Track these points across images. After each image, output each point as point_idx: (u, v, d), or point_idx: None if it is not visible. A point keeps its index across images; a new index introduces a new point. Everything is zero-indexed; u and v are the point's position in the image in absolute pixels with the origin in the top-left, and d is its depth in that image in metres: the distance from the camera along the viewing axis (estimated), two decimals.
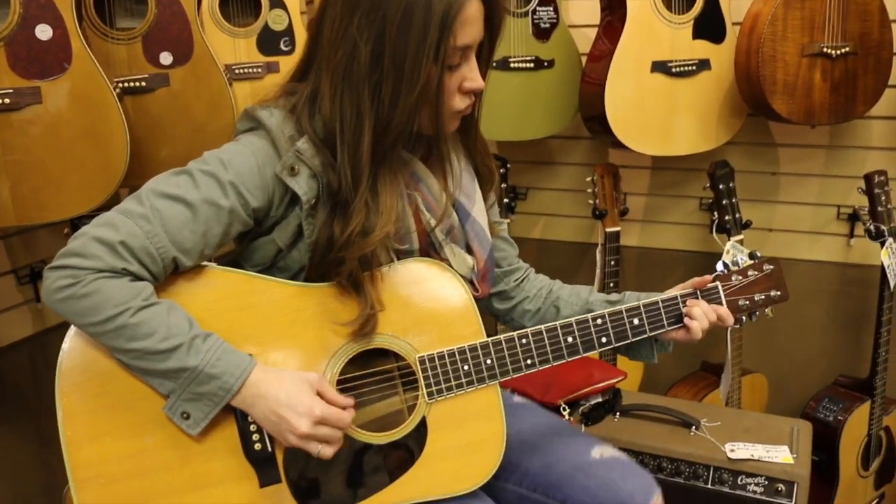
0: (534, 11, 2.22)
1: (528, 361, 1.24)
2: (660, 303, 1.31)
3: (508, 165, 2.42)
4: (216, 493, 1.11)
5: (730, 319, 1.35)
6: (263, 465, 1.12)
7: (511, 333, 1.23)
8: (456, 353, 1.19)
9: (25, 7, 1.54)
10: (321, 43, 1.14)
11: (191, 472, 1.10)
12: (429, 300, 1.20)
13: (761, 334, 2.43)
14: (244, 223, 1.14)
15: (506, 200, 2.40)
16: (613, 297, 1.39)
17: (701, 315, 1.31)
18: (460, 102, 1.18)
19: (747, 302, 1.40)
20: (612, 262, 2.30)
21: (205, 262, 1.15)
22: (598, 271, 2.37)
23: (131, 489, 1.08)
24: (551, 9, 2.24)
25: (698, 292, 1.35)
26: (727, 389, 1.54)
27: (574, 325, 1.26)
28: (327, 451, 1.09)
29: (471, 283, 1.27)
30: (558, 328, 1.25)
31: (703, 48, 2.09)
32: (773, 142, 2.33)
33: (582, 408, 1.98)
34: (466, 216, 1.28)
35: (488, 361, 1.21)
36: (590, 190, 2.32)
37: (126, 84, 1.82)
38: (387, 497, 1.16)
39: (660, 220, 2.51)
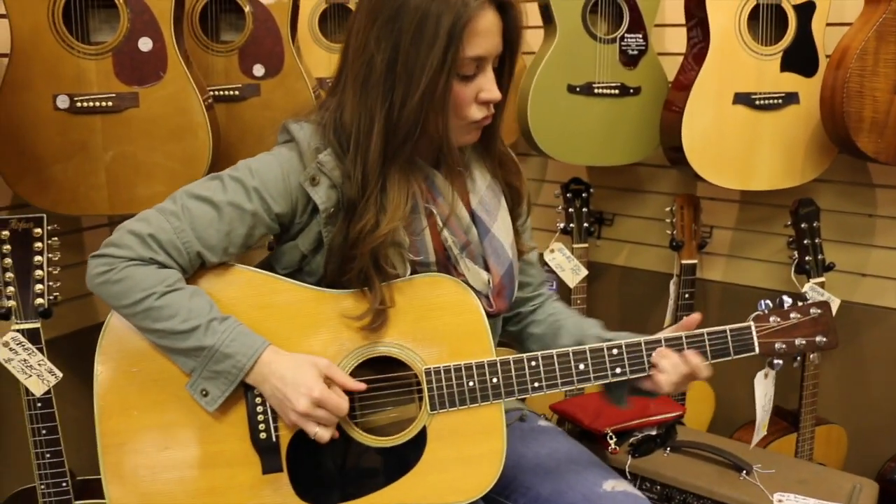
0: (622, 38, 2.22)
1: (536, 384, 1.25)
2: (683, 338, 1.29)
3: (591, 190, 2.42)
4: (223, 473, 1.20)
5: (703, 373, 1.28)
6: (267, 452, 1.20)
7: (521, 355, 1.25)
8: (462, 368, 1.23)
9: (133, 22, 1.72)
10: (347, 56, 1.22)
11: (203, 451, 1.20)
12: (441, 314, 1.25)
13: (845, 383, 2.29)
14: (268, 227, 1.24)
15: (585, 225, 2.40)
16: (610, 334, 1.37)
17: (670, 367, 1.26)
18: (477, 112, 1.23)
19: (784, 346, 1.34)
20: (687, 296, 2.26)
21: (233, 263, 1.25)
22: (670, 303, 2.32)
23: (149, 460, 1.20)
24: (640, 36, 2.23)
25: (727, 330, 1.31)
26: (758, 437, 1.47)
27: (587, 352, 1.26)
28: (323, 434, 1.16)
29: (486, 297, 1.31)
30: (570, 354, 1.26)
31: (791, 81, 2.01)
32: (871, 182, 2.20)
33: (632, 439, 1.96)
34: (486, 232, 1.32)
35: (494, 380, 1.24)
36: (668, 220, 2.29)
37: (221, 92, 1.99)
38: (379, 499, 1.21)
39: (745, 256, 2.43)
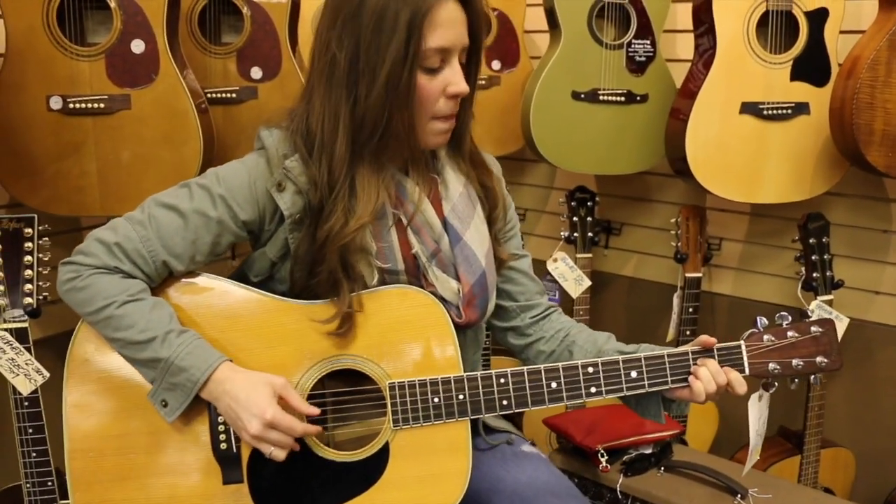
0: (629, 44, 2.16)
1: (504, 402, 1.22)
2: (665, 357, 1.25)
3: (597, 199, 2.37)
4: (184, 482, 1.19)
5: (741, 388, 1.24)
6: (228, 463, 1.19)
7: (490, 371, 1.22)
8: (428, 383, 1.20)
9: (125, 23, 1.72)
10: (313, 59, 1.21)
11: (165, 460, 1.19)
12: (408, 327, 1.22)
13: (855, 405, 2.21)
14: (235, 234, 1.22)
15: (590, 234, 2.35)
16: (630, 348, 1.33)
17: (708, 377, 1.23)
18: (443, 107, 1.21)
19: (778, 367, 1.27)
20: (691, 310, 2.20)
21: (200, 272, 1.24)
22: (673, 317, 2.26)
23: (113, 465, 1.19)
24: (648, 42, 2.17)
25: (715, 350, 1.26)
26: (752, 463, 1.41)
27: (560, 370, 1.23)
28: (278, 454, 1.14)
29: (457, 307, 1.27)
30: (542, 372, 1.22)
31: (801, 91, 1.94)
32: (886, 196, 2.11)
33: (626, 457, 1.90)
34: (457, 239, 1.29)
35: (460, 397, 1.20)
36: (673, 231, 2.23)
37: (219, 95, 1.98)
38: None
39: (755, 270, 2.35)
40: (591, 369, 1.23)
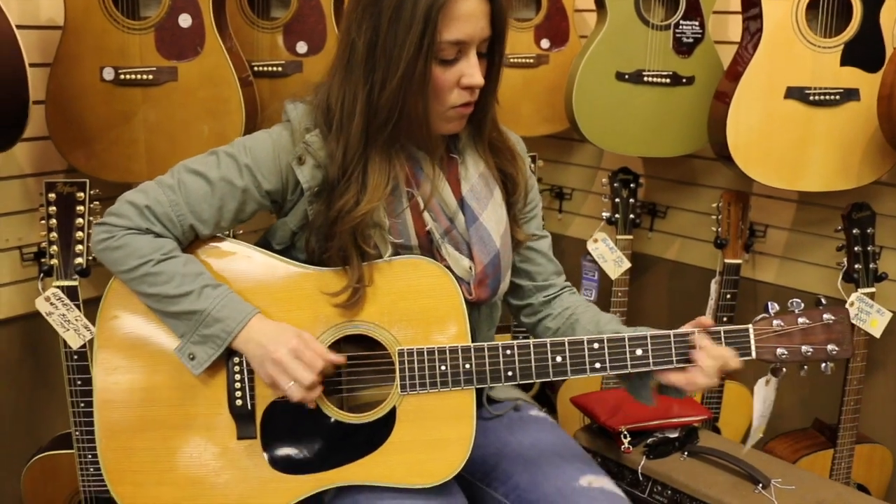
0: (676, 25, 2.13)
1: (509, 373, 1.24)
2: (671, 336, 1.25)
3: (641, 181, 2.35)
4: (200, 435, 1.26)
5: (733, 362, 1.23)
6: (242, 419, 1.25)
7: (496, 342, 1.24)
8: (436, 351, 1.23)
9: None
10: (338, 38, 1.24)
11: (184, 413, 1.26)
12: (419, 296, 1.25)
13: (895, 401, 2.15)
14: (259, 203, 1.27)
15: (631, 216, 2.33)
16: (627, 330, 1.33)
17: (704, 356, 1.22)
18: (458, 98, 1.22)
19: (786, 352, 1.26)
20: (728, 296, 2.17)
21: (225, 237, 1.30)
22: (710, 303, 2.24)
23: (136, 416, 1.27)
24: (697, 23, 2.13)
25: (722, 333, 1.26)
26: (752, 441, 1.41)
27: (566, 344, 1.24)
28: (294, 391, 1.18)
29: (467, 284, 1.30)
30: (548, 345, 1.24)
31: (851, 76, 1.88)
32: None
33: (650, 440, 1.90)
34: (473, 220, 1.31)
35: (467, 366, 1.23)
36: (714, 216, 2.20)
37: (266, 68, 2.04)
38: (344, 474, 1.23)
39: (800, 259, 2.30)
40: (596, 345, 1.24)
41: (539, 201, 1.48)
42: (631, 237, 2.34)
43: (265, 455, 1.25)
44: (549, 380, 1.25)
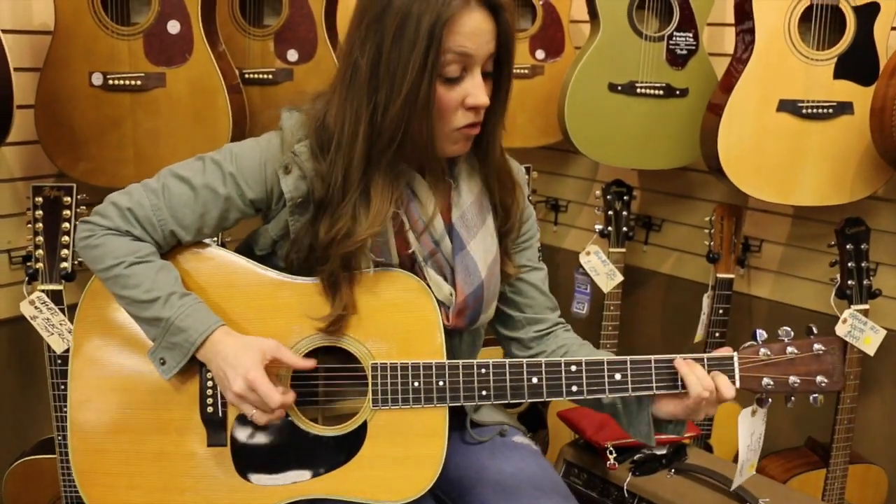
0: (670, 36, 2.11)
1: (483, 392, 1.22)
2: (651, 361, 1.22)
3: (634, 194, 2.33)
4: (171, 440, 1.24)
5: (728, 393, 1.20)
6: (213, 426, 1.24)
7: (472, 361, 1.22)
8: (409, 367, 1.22)
9: (163, 4, 1.79)
10: (340, 56, 1.22)
11: (157, 416, 1.25)
12: (396, 311, 1.23)
13: (890, 421, 2.11)
14: (242, 211, 1.26)
15: (624, 229, 2.31)
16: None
17: (696, 382, 1.20)
18: (462, 119, 1.19)
19: (771, 382, 1.22)
20: (721, 311, 2.14)
21: (208, 243, 1.29)
22: (703, 317, 2.21)
23: (110, 418, 1.26)
24: (691, 35, 2.12)
25: (705, 360, 1.23)
26: (740, 480, 1.36)
27: (543, 366, 1.22)
28: (259, 417, 1.17)
29: (447, 309, 1.27)
30: (524, 366, 1.21)
31: (845, 89, 1.86)
32: None
33: (637, 456, 1.88)
34: (461, 247, 1.28)
35: (440, 383, 1.21)
36: (707, 230, 2.17)
37: (256, 76, 2.04)
38: (313, 486, 1.22)
39: (795, 274, 2.27)
40: (574, 368, 1.22)
41: (536, 232, 1.43)
42: (624, 250, 2.32)
43: (234, 463, 1.24)
44: (527, 401, 1.23)
